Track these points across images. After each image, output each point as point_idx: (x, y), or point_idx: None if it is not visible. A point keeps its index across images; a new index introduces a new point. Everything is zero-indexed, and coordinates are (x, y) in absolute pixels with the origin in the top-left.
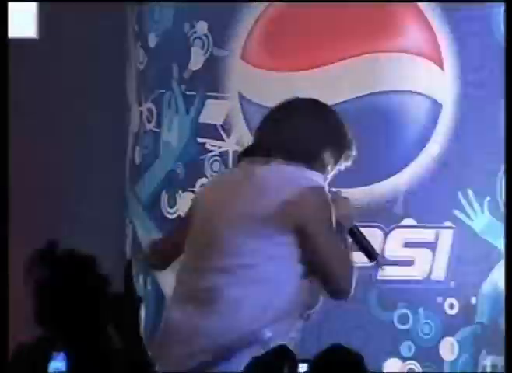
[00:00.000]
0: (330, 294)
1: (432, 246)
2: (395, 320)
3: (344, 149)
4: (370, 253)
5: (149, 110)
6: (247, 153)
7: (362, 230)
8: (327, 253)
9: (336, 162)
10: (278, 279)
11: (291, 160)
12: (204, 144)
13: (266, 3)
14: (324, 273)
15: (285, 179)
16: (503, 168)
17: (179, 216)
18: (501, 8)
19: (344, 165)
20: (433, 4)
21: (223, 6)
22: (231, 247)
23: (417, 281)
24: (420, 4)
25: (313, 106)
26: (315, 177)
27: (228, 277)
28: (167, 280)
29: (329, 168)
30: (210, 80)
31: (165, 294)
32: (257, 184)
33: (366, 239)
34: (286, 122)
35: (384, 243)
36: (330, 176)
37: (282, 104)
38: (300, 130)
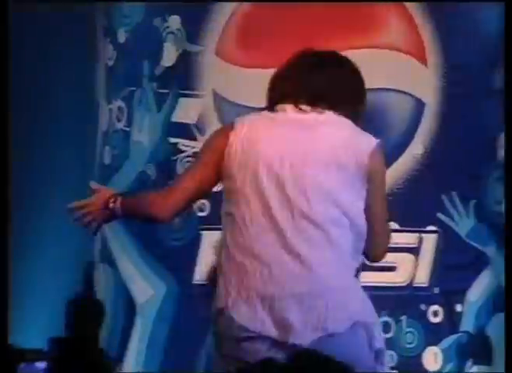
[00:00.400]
0: (373, 252)
1: (415, 251)
2: None
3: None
4: None
5: (119, 108)
6: (288, 98)
7: None
8: (384, 208)
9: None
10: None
11: (337, 111)
12: (176, 144)
13: None
14: (375, 229)
15: (357, 132)
16: (489, 169)
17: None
18: (486, 7)
19: None
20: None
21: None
22: (334, 197)
23: (399, 288)
24: (405, 2)
25: (348, 60)
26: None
27: (335, 226)
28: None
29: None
30: (183, 77)
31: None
32: (333, 135)
33: None
34: (331, 72)
35: None
36: None
37: (316, 54)
38: (344, 82)
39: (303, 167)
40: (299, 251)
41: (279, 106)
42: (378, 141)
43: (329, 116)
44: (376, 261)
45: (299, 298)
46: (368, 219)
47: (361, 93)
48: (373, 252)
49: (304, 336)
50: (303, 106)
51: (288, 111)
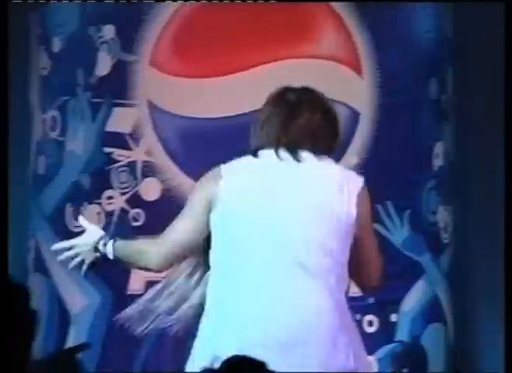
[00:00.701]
0: (368, 287)
1: None
2: None
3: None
4: None
5: (53, 118)
6: (268, 144)
7: None
8: (375, 248)
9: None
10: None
11: (317, 154)
12: (111, 153)
13: (175, 7)
14: (370, 267)
15: (342, 172)
16: (424, 178)
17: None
18: (423, 16)
19: None
20: (351, 9)
21: (132, 9)
22: (328, 247)
23: None
24: (339, 10)
25: (324, 99)
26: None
27: (331, 275)
28: (72, 296)
29: None
30: (117, 86)
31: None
32: (322, 182)
33: None
34: (307, 117)
35: None
36: None
37: (292, 96)
38: (321, 124)
39: (298, 217)
40: (293, 301)
41: (261, 153)
42: (363, 181)
43: (311, 162)
44: (373, 290)
45: (288, 347)
46: (361, 251)
47: (336, 131)
48: (371, 282)
49: None
50: (283, 153)
51: (270, 158)
